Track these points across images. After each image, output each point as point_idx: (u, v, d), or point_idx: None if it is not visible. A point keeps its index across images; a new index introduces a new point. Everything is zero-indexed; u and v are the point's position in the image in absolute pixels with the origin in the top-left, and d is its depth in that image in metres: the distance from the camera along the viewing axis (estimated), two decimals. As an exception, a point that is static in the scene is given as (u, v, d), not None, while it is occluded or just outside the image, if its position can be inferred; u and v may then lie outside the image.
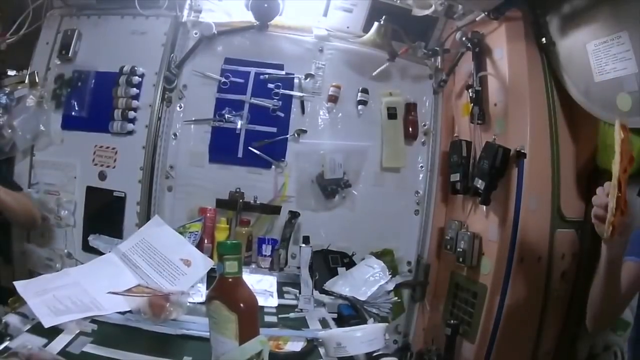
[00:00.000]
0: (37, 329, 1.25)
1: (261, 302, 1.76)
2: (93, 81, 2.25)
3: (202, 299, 1.65)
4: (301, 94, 2.34)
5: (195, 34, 2.30)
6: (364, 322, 1.74)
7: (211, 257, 1.92)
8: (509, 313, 1.89)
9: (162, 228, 1.91)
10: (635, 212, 1.72)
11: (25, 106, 2.18)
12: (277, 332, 1.49)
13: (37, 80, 2.22)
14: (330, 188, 2.31)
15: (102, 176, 2.21)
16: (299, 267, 1.94)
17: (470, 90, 2.16)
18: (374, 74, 2.36)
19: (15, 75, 2.26)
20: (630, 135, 1.39)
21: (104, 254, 1.83)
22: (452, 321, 2.05)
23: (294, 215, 2.27)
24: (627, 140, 1.34)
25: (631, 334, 1.58)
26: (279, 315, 1.70)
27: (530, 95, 1.98)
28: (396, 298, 2.02)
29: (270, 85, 2.32)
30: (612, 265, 1.37)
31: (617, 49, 1.67)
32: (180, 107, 2.30)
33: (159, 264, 1.72)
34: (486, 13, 2.04)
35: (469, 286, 2.09)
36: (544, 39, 2.00)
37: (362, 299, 1.89)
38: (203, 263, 1.80)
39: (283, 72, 2.34)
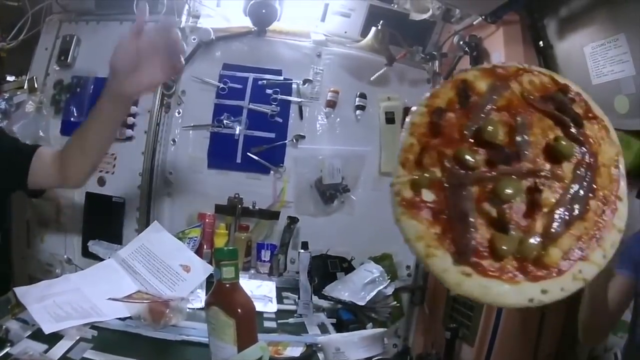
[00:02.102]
0: (38, 335, 1.25)
1: (260, 307, 1.77)
2: (92, 87, 2.25)
3: (202, 304, 1.65)
4: (299, 100, 2.35)
5: (194, 39, 2.30)
6: (363, 326, 1.74)
7: (210, 262, 1.92)
8: (508, 316, 1.90)
9: (161, 234, 1.90)
10: (634, 215, 1.73)
11: (24, 112, 2.18)
12: (277, 337, 1.50)
13: (36, 86, 2.23)
14: (329, 193, 2.31)
15: (102, 182, 2.21)
16: (298, 272, 1.94)
17: (468, 94, 2.15)
18: (372, 79, 2.36)
19: (14, 80, 2.26)
20: None
21: (103, 259, 1.83)
22: (451, 325, 2.05)
23: (292, 220, 2.27)
24: None
25: (626, 341, 1.57)
26: (278, 321, 1.70)
27: (528, 99, 1.98)
28: (395, 302, 2.02)
29: (269, 91, 2.32)
30: (596, 291, 1.36)
31: (614, 52, 1.67)
32: (179, 113, 2.30)
33: (159, 270, 1.72)
34: (483, 17, 2.04)
35: (468, 290, 2.09)
36: (541, 42, 2.00)
37: (361, 303, 1.88)
38: (202, 269, 1.79)
39: (281, 78, 2.35)
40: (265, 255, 2.21)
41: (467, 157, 0.76)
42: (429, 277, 2.39)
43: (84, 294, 1.50)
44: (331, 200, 2.33)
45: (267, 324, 1.66)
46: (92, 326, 1.36)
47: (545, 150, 0.78)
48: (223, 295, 1.14)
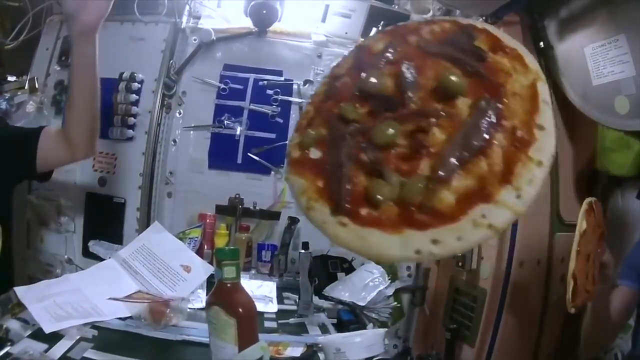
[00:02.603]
0: (38, 334, 1.25)
1: (261, 307, 1.77)
2: (92, 87, 2.25)
3: (202, 304, 1.65)
4: (300, 100, 2.34)
5: (194, 40, 2.31)
6: (364, 327, 1.75)
7: (211, 263, 1.92)
8: (508, 316, 1.89)
9: (162, 234, 1.90)
10: (634, 216, 1.72)
11: (25, 112, 2.18)
12: (277, 337, 1.50)
13: (37, 86, 2.23)
14: (329, 193, 2.30)
15: (102, 182, 2.21)
16: (298, 273, 1.94)
17: (468, 95, 2.15)
18: (372, 80, 2.36)
19: (15, 80, 2.26)
20: (599, 210, 1.35)
21: (104, 259, 1.83)
22: (451, 325, 2.05)
23: (293, 221, 2.27)
24: (594, 221, 1.29)
25: (628, 351, 1.55)
26: (279, 321, 1.70)
27: (528, 99, 1.97)
28: (395, 303, 2.02)
29: (269, 92, 2.32)
30: (598, 303, 1.36)
31: (614, 52, 1.67)
32: (180, 114, 2.30)
33: (159, 270, 1.72)
34: (484, 18, 2.04)
35: (468, 291, 2.08)
36: (541, 43, 2.00)
37: (362, 304, 1.89)
38: (203, 269, 1.79)
39: (282, 78, 2.35)
40: (266, 255, 2.21)
41: (347, 110, 0.73)
42: (429, 278, 2.38)
43: (85, 294, 1.51)
44: (331, 201, 2.32)
45: (267, 324, 1.67)
46: (93, 326, 1.36)
47: (434, 91, 0.71)
48: (224, 295, 1.15)
